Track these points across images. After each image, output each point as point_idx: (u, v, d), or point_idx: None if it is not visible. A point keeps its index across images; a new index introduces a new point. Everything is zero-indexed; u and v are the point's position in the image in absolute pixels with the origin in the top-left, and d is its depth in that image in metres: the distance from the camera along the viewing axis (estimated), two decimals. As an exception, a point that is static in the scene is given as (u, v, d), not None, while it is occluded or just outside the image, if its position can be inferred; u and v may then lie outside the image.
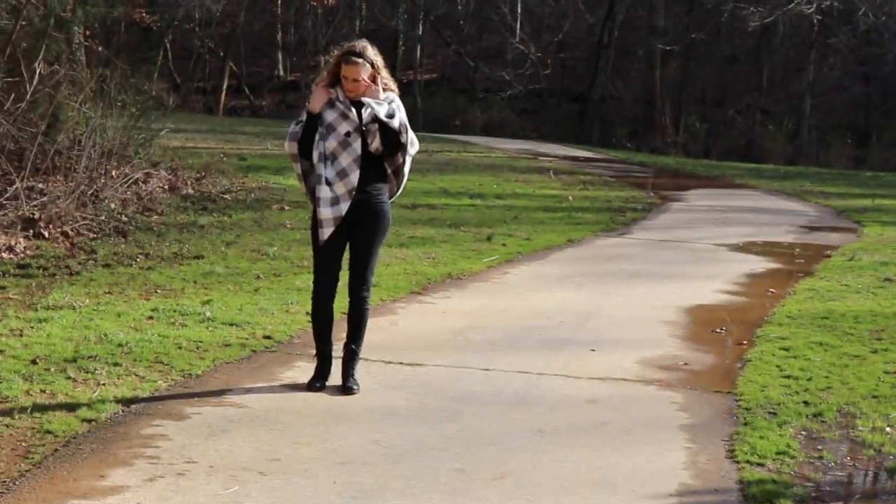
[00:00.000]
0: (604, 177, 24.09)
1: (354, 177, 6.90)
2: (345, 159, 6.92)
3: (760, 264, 12.91)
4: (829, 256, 13.66)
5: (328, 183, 6.90)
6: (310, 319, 7.41)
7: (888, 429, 6.67)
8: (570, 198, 19.43)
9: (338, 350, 7.17)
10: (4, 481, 5.26)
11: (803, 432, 6.57)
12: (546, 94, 45.20)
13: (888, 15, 37.76)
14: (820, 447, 6.31)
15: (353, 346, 7.15)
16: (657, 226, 16.37)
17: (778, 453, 6.13)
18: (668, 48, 41.76)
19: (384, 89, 7.02)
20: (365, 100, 6.94)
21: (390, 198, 7.17)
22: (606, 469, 5.78)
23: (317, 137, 6.96)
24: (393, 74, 7.27)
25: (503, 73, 44.11)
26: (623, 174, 25.22)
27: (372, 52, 6.99)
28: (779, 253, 13.91)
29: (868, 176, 29.38)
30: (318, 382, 7.06)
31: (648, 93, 43.31)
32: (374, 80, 6.97)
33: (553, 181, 22.26)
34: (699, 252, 13.79)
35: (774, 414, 6.87)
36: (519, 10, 47.37)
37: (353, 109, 6.92)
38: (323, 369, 7.13)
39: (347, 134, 6.91)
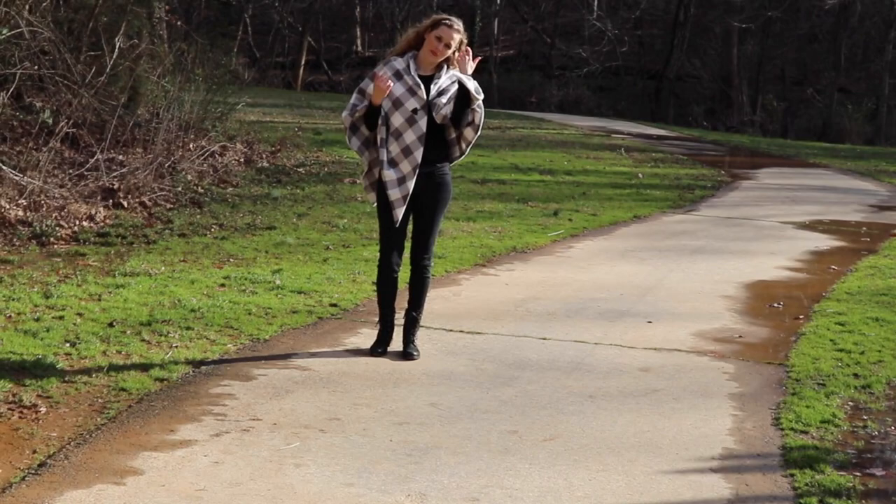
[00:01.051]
0: (675, 154, 24.14)
1: (419, 153, 6.95)
2: (409, 136, 6.95)
3: (825, 242, 13.00)
4: (895, 235, 13.69)
5: (393, 163, 6.96)
6: (375, 288, 7.50)
7: (935, 401, 6.81)
8: (640, 175, 19.55)
9: (399, 318, 7.43)
10: (82, 434, 5.60)
11: (850, 403, 6.73)
12: (622, 71, 45.17)
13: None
14: (865, 417, 6.47)
15: (415, 314, 7.32)
16: (725, 203, 16.47)
17: (822, 422, 6.31)
18: (744, 26, 41.48)
19: (451, 66, 7.07)
20: (458, 74, 6.99)
21: (452, 161, 7.25)
22: (652, 433, 6.01)
23: (381, 114, 6.98)
24: (471, 47, 7.50)
25: (580, 51, 44.15)
26: (695, 152, 25.24)
27: (464, 31, 7.09)
28: (845, 231, 13.97)
29: (947, 156, 29.06)
30: (379, 348, 7.28)
31: (725, 71, 43.14)
32: (448, 58, 7.04)
33: (624, 158, 22.37)
34: (764, 229, 13.89)
35: (823, 385, 7.04)
36: (597, -13, 47.32)
37: (422, 86, 6.95)
38: (385, 335, 7.32)
39: (415, 111, 6.93)
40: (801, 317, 9.00)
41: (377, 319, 7.43)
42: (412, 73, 6.98)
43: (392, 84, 6.89)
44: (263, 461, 5.32)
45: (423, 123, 6.96)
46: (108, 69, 14.03)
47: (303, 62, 46.45)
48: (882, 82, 40.03)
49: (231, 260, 10.10)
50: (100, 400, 6.13)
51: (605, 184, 17.90)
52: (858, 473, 5.56)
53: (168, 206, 12.48)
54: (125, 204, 12.05)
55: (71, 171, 12.61)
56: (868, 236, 13.60)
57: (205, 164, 14.87)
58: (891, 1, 38.59)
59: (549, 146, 23.47)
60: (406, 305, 7.42)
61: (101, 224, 11.23)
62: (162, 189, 12.88)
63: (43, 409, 5.91)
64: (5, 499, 4.77)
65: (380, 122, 6.98)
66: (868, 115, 38.33)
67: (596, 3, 46.62)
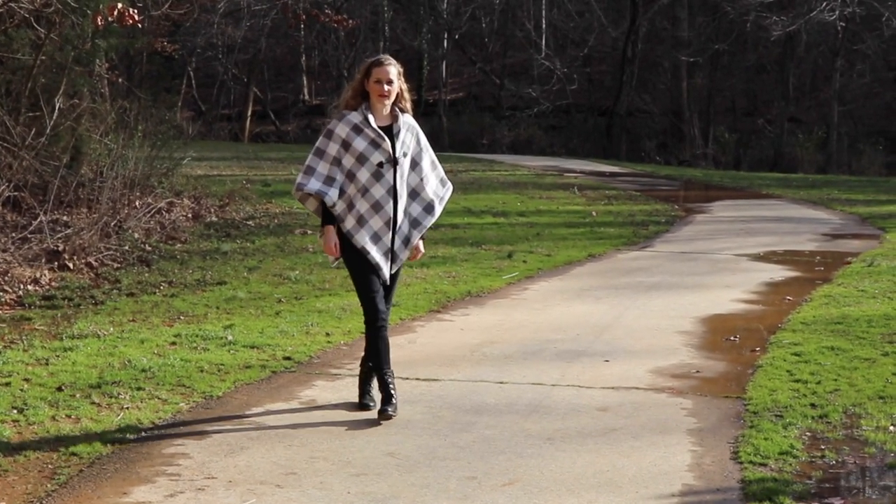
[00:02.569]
0: (629, 191, 24.36)
1: (390, 207, 6.91)
2: (378, 191, 6.89)
3: (780, 273, 13.16)
4: (848, 263, 13.89)
5: (362, 221, 6.87)
6: (367, 348, 7.17)
7: (892, 427, 6.91)
8: (594, 213, 19.72)
9: (353, 370, 7.46)
10: (32, 501, 5.60)
11: (808, 433, 6.82)
12: (573, 109, 45.50)
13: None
14: (823, 447, 6.56)
15: (388, 370, 7.13)
16: (679, 238, 16.64)
17: (781, 453, 6.39)
18: (692, 60, 42.00)
19: (402, 110, 7.02)
20: (415, 127, 7.06)
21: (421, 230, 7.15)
22: (612, 472, 6.07)
23: (342, 178, 6.91)
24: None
25: (529, 90, 44.48)
26: (648, 188, 25.48)
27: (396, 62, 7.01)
28: (799, 261, 14.14)
29: (898, 182, 29.50)
30: (389, 408, 7.00)
31: (676, 105, 43.61)
32: (398, 96, 6.97)
33: (577, 197, 22.55)
34: (719, 263, 14.05)
35: (781, 416, 7.13)
36: (543, 26, 47.80)
37: (386, 138, 6.91)
38: (387, 396, 7.02)
39: (380, 164, 6.88)
40: (758, 349, 9.11)
41: (378, 382, 7.13)
42: (372, 125, 6.90)
43: (353, 139, 6.87)
44: (219, 520, 5.33)
45: (390, 177, 6.92)
46: (48, 129, 14.04)
47: (249, 113, 46.57)
48: (831, 110, 40.60)
49: (181, 317, 10.11)
50: (50, 466, 6.12)
51: (559, 223, 18.04)
52: (817, 503, 5.64)
53: (115, 265, 12.47)
54: (71, 265, 12.04)
55: (13, 234, 12.59)
56: (822, 265, 13.78)
57: (152, 222, 14.88)
58: (836, 30, 39.19)
59: (501, 188, 23.63)
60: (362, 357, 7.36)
61: (47, 287, 11.21)
62: (108, 248, 12.88)
63: (-8, 478, 5.90)
64: (-44, 571, 4.77)
65: (340, 179, 6.91)
66: (819, 143, 38.83)
67: (544, 42, 47.08)
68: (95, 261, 12.35)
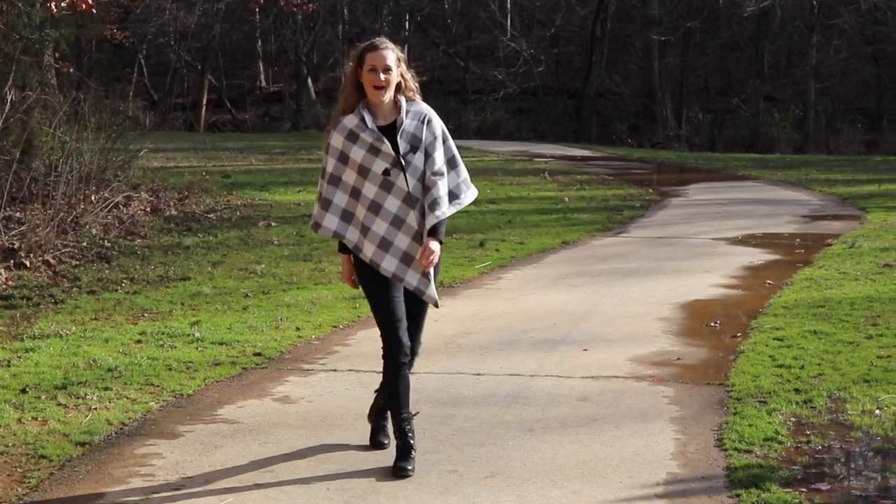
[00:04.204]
0: (601, 175, 24.54)
1: (413, 219, 6.03)
2: (391, 203, 6.02)
3: (759, 256, 13.35)
4: (829, 245, 14.10)
5: (385, 245, 6.02)
6: (382, 385, 6.39)
7: (877, 411, 7.08)
8: (566, 199, 19.88)
9: (325, 364, 7.55)
10: (3, 504, 5.68)
11: (793, 419, 6.98)
12: (541, 92, 45.71)
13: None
14: (808, 432, 6.71)
15: (407, 413, 6.33)
16: (655, 223, 16.82)
17: (766, 440, 6.54)
18: (664, 39, 42.24)
19: (408, 97, 6.13)
20: (423, 109, 6.13)
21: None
22: (595, 462, 6.21)
23: (343, 195, 6.10)
24: None
25: (495, 73, 44.63)
26: (621, 172, 25.68)
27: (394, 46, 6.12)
28: (778, 244, 14.35)
29: (878, 161, 29.86)
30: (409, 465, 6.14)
31: (647, 86, 43.84)
32: (399, 85, 6.07)
33: (548, 183, 22.71)
34: (697, 247, 14.23)
35: (764, 402, 7.28)
36: (508, 6, 47.93)
37: (386, 139, 6.00)
38: (406, 447, 6.17)
39: (386, 172, 6.00)
40: (739, 334, 9.27)
41: (403, 429, 6.21)
42: (370, 127, 5.99)
43: (349, 148, 6.04)
44: (197, 519, 5.44)
45: (402, 182, 6.00)
46: (10, 121, 14.04)
47: (204, 102, 46.49)
48: (808, 88, 40.92)
49: (146, 315, 10.18)
50: (19, 469, 6.20)
51: (531, 210, 18.19)
52: (804, 489, 5.78)
53: (74, 262, 12.52)
54: (28, 263, 12.08)
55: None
56: (802, 248, 13.98)
57: (109, 217, 14.92)
58: (811, 4, 39.51)
59: (470, 174, 23.64)
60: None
61: (3, 286, 11.25)
62: (66, 245, 12.92)
63: (-40, 483, 5.98)
64: (-70, 577, 4.85)
65: (343, 195, 6.11)
66: (796, 122, 39.15)
67: (509, 22, 47.20)
68: (53, 258, 12.39)
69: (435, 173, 6.09)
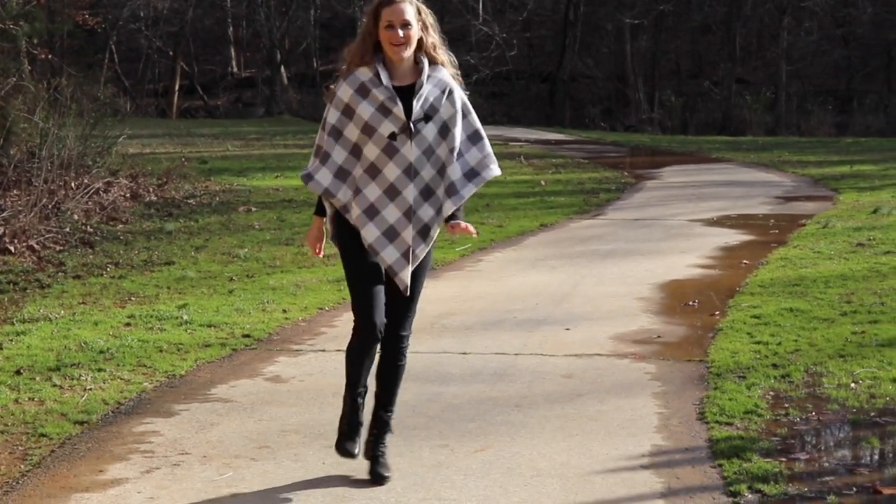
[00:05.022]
0: (576, 159, 24.78)
1: (409, 192, 5.55)
2: (391, 171, 5.53)
3: (734, 237, 13.61)
4: (803, 225, 14.37)
5: (373, 212, 5.55)
6: (344, 355, 5.90)
7: (852, 384, 7.31)
8: (543, 182, 20.09)
9: (314, 345, 7.73)
10: (7, 482, 5.84)
11: (771, 393, 7.20)
12: (514, 76, 45.94)
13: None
14: (787, 405, 6.94)
15: (385, 414, 5.95)
16: (631, 205, 17.07)
17: (746, 412, 6.77)
18: (636, 22, 42.48)
19: (430, 58, 5.58)
20: (445, 79, 5.59)
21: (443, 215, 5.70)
22: (581, 436, 6.41)
23: (343, 151, 5.59)
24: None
25: (468, 57, 44.68)
26: (596, 155, 25.92)
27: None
28: (753, 225, 14.61)
29: (849, 142, 30.21)
30: (350, 443, 5.82)
31: (620, 69, 44.14)
32: (421, 42, 5.54)
33: (524, 166, 22.91)
34: (673, 229, 14.47)
35: (744, 377, 7.51)
36: (480, -11, 48.02)
37: (400, 101, 5.48)
38: (354, 424, 5.86)
39: (392, 136, 5.48)
40: (717, 313, 9.50)
41: (343, 399, 5.91)
42: (384, 83, 5.47)
43: (357, 103, 5.50)
44: (198, 493, 5.61)
45: (408, 151, 5.50)
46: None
47: (176, 88, 46.49)
48: (779, 70, 41.28)
49: (133, 298, 10.34)
50: (20, 447, 6.36)
51: (508, 194, 18.39)
52: (784, 459, 6.01)
53: (58, 248, 12.65)
54: (12, 249, 12.20)
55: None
56: (777, 228, 14.25)
57: (90, 203, 15.04)
58: (782, -14, 39.81)
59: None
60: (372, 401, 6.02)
61: (-10, 271, 11.38)
62: (49, 231, 13.05)
63: (-37, 462, 6.14)
64: (-57, 550, 5.02)
65: (342, 150, 5.59)
66: (767, 104, 39.49)
67: (481, 6, 47.31)
68: (37, 244, 12.52)
69: (452, 150, 5.61)
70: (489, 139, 5.85)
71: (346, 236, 5.67)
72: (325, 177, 5.60)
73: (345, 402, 5.88)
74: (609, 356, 8.19)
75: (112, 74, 44.85)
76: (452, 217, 5.69)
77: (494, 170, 5.77)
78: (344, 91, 5.54)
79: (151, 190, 17.12)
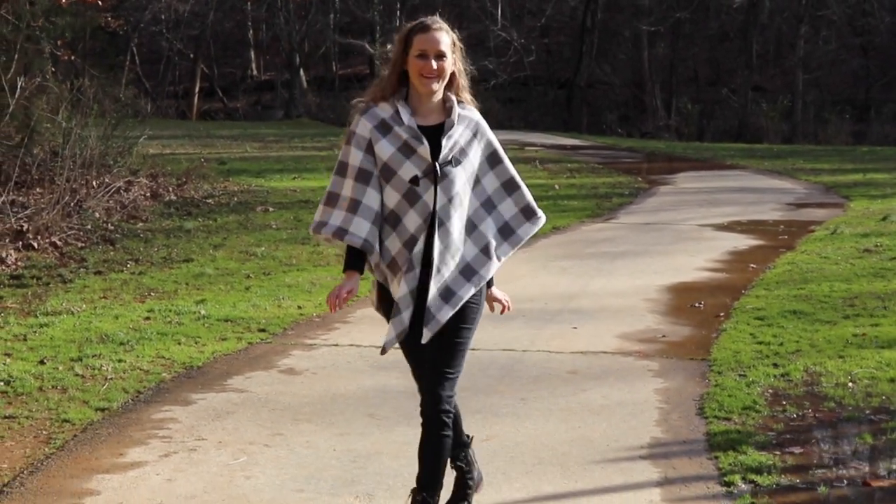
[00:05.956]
0: (591, 164, 25.00)
1: (427, 242, 4.83)
2: (412, 221, 4.81)
3: (744, 242, 13.82)
4: (812, 231, 14.57)
5: (394, 267, 4.87)
6: (419, 452, 5.19)
7: (850, 384, 7.52)
8: (556, 186, 20.31)
9: (327, 339, 7.96)
10: (32, 463, 6.11)
11: (770, 390, 7.42)
12: (532, 81, 46.14)
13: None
14: (784, 402, 7.16)
15: (426, 497, 5.08)
16: (643, 209, 17.29)
17: (744, 408, 6.99)
18: (653, 29, 42.69)
19: (459, 98, 4.97)
20: (474, 117, 4.99)
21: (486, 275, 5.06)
22: (584, 428, 6.65)
23: (377, 199, 4.86)
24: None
25: (486, 62, 44.90)
26: (611, 160, 26.14)
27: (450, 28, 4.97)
28: (762, 230, 14.82)
29: (864, 151, 30.34)
30: None
31: (637, 76, 44.34)
32: (452, 78, 4.92)
33: (539, 170, 23.14)
34: (683, 233, 14.69)
35: (744, 375, 7.73)
36: (499, -4, 48.28)
37: (426, 140, 4.81)
38: None
39: (415, 180, 4.78)
40: (722, 314, 9.72)
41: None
42: (406, 122, 4.81)
43: (377, 140, 4.82)
44: (214, 476, 5.87)
45: (430, 198, 4.80)
46: (10, 109, 14.43)
47: (196, 90, 46.85)
48: (796, 79, 41.40)
49: (152, 294, 10.60)
50: (44, 432, 6.62)
51: (522, 197, 18.57)
52: (778, 452, 6.23)
53: (79, 244, 12.93)
54: (35, 245, 12.48)
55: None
56: (786, 234, 14.45)
57: (111, 201, 15.33)
58: (799, -5, 39.96)
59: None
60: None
61: (14, 266, 11.66)
62: (71, 228, 13.33)
63: (-11, 444, 6.41)
64: (-28, 525, 5.28)
65: (375, 193, 4.85)
66: (784, 112, 39.62)
67: (500, 12, 47.55)
68: (59, 240, 12.80)
69: (484, 204, 5.00)
70: (505, 146, 5.35)
71: (386, 308, 4.99)
72: (361, 227, 4.81)
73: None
74: (614, 354, 8.42)
75: (133, 76, 45.29)
76: (489, 283, 5.17)
77: (532, 226, 5.17)
78: (363, 127, 4.85)
79: (171, 189, 17.41)
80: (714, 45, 47.12)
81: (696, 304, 10.15)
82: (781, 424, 6.74)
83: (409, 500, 5.09)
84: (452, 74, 4.90)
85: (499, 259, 5.06)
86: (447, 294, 4.90)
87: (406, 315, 4.84)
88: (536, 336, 8.94)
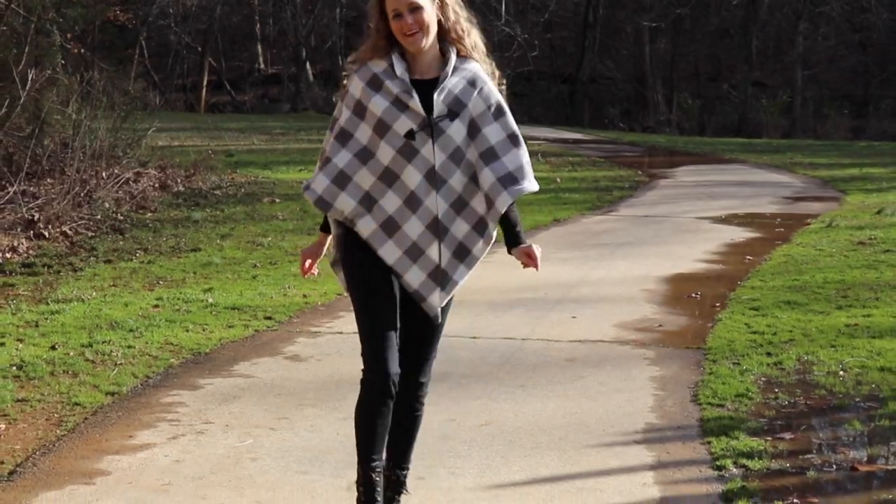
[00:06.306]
0: (592, 158, 25.10)
1: (433, 201, 4.60)
2: (412, 176, 4.56)
3: (740, 234, 13.92)
4: (808, 224, 14.67)
5: (392, 226, 4.59)
6: (357, 408, 4.82)
7: (841, 373, 7.62)
8: (558, 179, 20.40)
9: (332, 327, 8.08)
10: (44, 444, 6.21)
11: (763, 378, 7.51)
12: (535, 76, 46.20)
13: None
14: (777, 390, 7.25)
15: (400, 473, 5.03)
16: (643, 202, 17.38)
17: (737, 396, 7.08)
18: (654, 25, 42.75)
19: (459, 50, 4.64)
20: (473, 68, 4.65)
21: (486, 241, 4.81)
22: (580, 414, 6.75)
23: (347, 154, 4.63)
24: None
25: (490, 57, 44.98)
26: (612, 154, 26.23)
27: None
28: (759, 223, 14.92)
29: (862, 146, 30.43)
30: None
31: (639, 71, 44.41)
32: (446, 30, 4.60)
33: (541, 164, 23.20)
34: (682, 225, 14.79)
35: (738, 364, 7.82)
36: (503, -9, 48.38)
37: (415, 93, 4.55)
38: (371, 496, 4.82)
39: (410, 134, 4.52)
40: (718, 304, 9.82)
41: (357, 479, 4.86)
42: (400, 76, 4.53)
43: (369, 97, 4.57)
44: (221, 457, 5.97)
45: (429, 153, 4.55)
46: (17, 101, 14.54)
47: (204, 83, 46.94)
48: (795, 74, 41.46)
49: (161, 282, 10.71)
50: (56, 415, 6.73)
51: (524, 190, 18.67)
52: (769, 438, 6.32)
53: (89, 233, 13.04)
54: (46, 234, 12.59)
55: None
56: (782, 227, 14.55)
57: (120, 191, 15.44)
58: (799, -8, 40.02)
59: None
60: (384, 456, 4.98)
61: (25, 255, 11.78)
62: (81, 218, 13.44)
63: (2, 427, 6.50)
64: (-14, 503, 5.39)
65: (347, 154, 4.63)
66: (783, 107, 39.70)
67: (503, 7, 47.61)
68: (70, 229, 12.92)
69: (483, 154, 4.62)
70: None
71: (353, 264, 4.69)
72: (320, 184, 4.64)
73: (358, 482, 4.82)
74: (611, 342, 8.52)
75: (142, 69, 45.35)
76: (515, 239, 4.85)
77: (533, 182, 4.78)
78: (355, 86, 4.58)
79: (179, 180, 17.52)
80: (714, 41, 47.16)
81: (693, 295, 10.25)
82: (773, 411, 6.83)
83: (395, 475, 4.99)
84: (450, 24, 4.59)
85: (497, 210, 4.69)
86: (460, 252, 4.73)
87: (419, 269, 4.62)
88: (536, 325, 9.04)
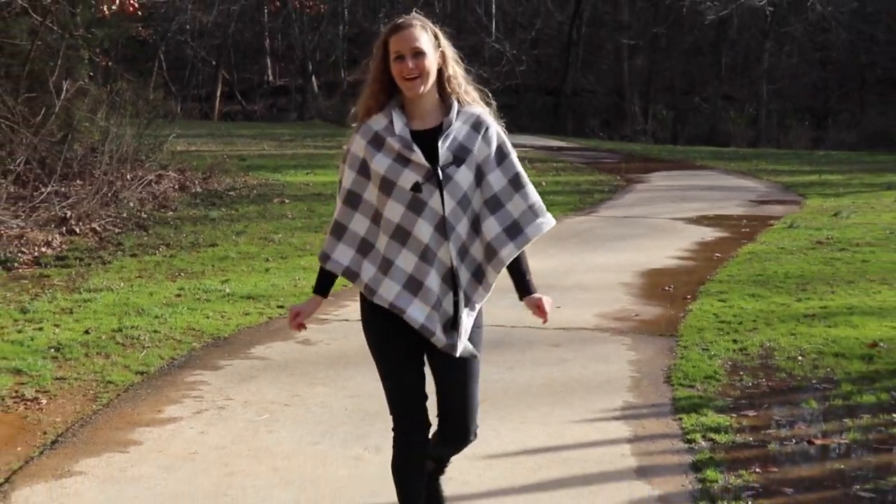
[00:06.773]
0: (575, 164, 25.22)
1: (445, 251, 4.08)
2: (422, 230, 4.05)
3: (710, 234, 14.06)
4: (771, 225, 14.82)
5: (413, 286, 4.08)
6: (391, 466, 4.41)
7: (800, 357, 7.77)
8: (543, 183, 20.49)
9: (339, 315, 8.19)
10: (82, 417, 6.35)
11: (729, 362, 7.66)
12: (522, 89, 46.29)
13: (834, 3, 38.98)
14: (742, 373, 7.40)
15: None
16: (621, 204, 17.52)
17: (706, 378, 7.23)
18: (633, 42, 42.90)
19: (460, 99, 4.19)
20: (475, 111, 4.21)
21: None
22: (564, 393, 6.89)
23: (364, 219, 4.18)
24: None
25: (481, 71, 45.05)
26: (593, 161, 26.35)
27: (432, 25, 4.21)
28: (727, 224, 15.06)
29: (821, 155, 30.56)
30: None
31: (618, 85, 44.52)
32: (448, 78, 4.17)
33: (528, 169, 23.25)
34: (657, 225, 14.93)
35: (707, 350, 7.97)
36: (493, 10, 48.51)
37: (416, 146, 4.06)
38: None
39: (416, 187, 4.03)
40: (689, 296, 9.96)
41: None
42: (399, 131, 4.07)
43: (372, 156, 4.09)
44: (241, 430, 6.11)
45: (437, 203, 4.06)
46: (52, 109, 14.66)
47: (218, 94, 47.02)
48: (761, 89, 41.64)
49: (182, 274, 10.84)
50: (91, 391, 6.86)
51: (512, 193, 18.79)
52: (735, 415, 6.47)
53: (116, 230, 13.17)
54: (77, 230, 12.71)
55: (22, 204, 13.25)
56: (748, 227, 14.70)
57: (144, 192, 15.55)
58: (765, 14, 40.17)
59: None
60: None
61: (59, 249, 11.89)
62: (109, 216, 13.57)
63: (44, 401, 6.64)
64: (31, 468, 5.52)
65: (363, 219, 4.18)
66: (750, 119, 39.88)
67: (494, 25, 47.78)
68: (99, 226, 13.04)
69: (487, 202, 4.15)
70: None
71: (375, 322, 4.24)
72: (343, 254, 4.19)
73: None
74: (592, 330, 8.66)
75: (161, 81, 45.49)
76: (525, 289, 4.48)
77: (543, 224, 4.29)
78: (357, 145, 4.14)
79: (197, 182, 17.63)
80: (688, 58, 47.29)
81: (667, 288, 10.39)
82: (738, 391, 6.98)
83: None
84: (448, 74, 4.17)
85: (502, 261, 4.21)
86: (467, 301, 4.24)
87: (433, 321, 4.10)
88: (524, 314, 9.05)
